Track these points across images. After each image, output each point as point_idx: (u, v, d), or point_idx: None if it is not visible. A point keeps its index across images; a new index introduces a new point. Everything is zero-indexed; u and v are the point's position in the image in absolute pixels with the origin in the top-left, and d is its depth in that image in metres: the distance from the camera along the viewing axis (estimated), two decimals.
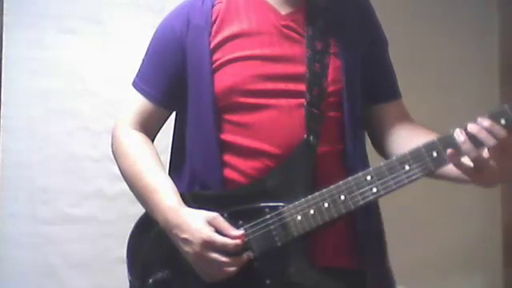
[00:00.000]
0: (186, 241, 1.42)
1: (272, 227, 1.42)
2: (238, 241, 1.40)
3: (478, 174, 1.33)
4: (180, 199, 1.48)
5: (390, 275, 1.54)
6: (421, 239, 2.72)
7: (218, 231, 1.41)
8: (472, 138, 1.30)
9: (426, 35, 2.83)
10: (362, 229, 1.49)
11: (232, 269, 1.40)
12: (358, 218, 1.47)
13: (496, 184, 1.36)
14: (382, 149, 1.59)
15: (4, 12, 2.50)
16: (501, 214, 2.91)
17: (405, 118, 1.60)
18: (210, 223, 1.42)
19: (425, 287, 2.64)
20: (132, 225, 1.59)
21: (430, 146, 1.35)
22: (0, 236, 2.47)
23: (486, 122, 1.30)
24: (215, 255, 1.40)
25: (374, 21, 1.61)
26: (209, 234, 1.40)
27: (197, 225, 1.42)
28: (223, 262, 1.39)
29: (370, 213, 1.49)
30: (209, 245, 1.40)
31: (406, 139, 1.51)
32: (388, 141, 1.57)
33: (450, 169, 1.36)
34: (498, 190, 2.86)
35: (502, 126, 1.29)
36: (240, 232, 1.42)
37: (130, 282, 1.56)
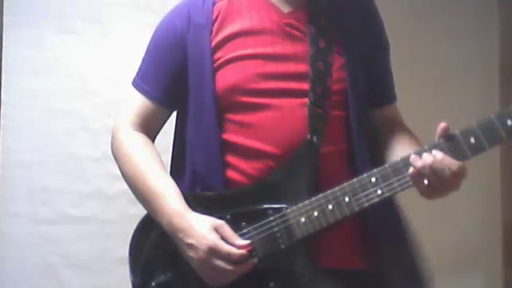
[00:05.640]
0: (190, 246, 1.41)
1: (276, 229, 1.41)
2: (243, 251, 1.39)
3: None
4: (185, 203, 1.46)
5: (415, 277, 1.51)
6: (420, 239, 2.71)
7: (224, 239, 1.40)
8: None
9: (426, 35, 2.82)
10: (373, 229, 1.47)
11: (235, 276, 1.39)
12: (369, 218, 1.45)
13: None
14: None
15: (4, 12, 2.50)
16: (501, 213, 2.90)
17: (396, 123, 1.58)
18: (217, 230, 1.41)
19: None
20: (132, 225, 1.57)
21: (435, 148, 1.32)
22: (0, 236, 2.47)
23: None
24: (220, 262, 1.38)
25: (377, 22, 1.59)
26: (215, 241, 1.39)
27: (203, 231, 1.41)
28: (227, 269, 1.38)
29: (383, 212, 1.46)
30: (214, 252, 1.38)
31: (392, 147, 1.51)
32: (378, 146, 1.55)
33: None
34: (497, 190, 2.86)
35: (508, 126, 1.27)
36: (246, 242, 1.40)
37: (133, 283, 1.54)
